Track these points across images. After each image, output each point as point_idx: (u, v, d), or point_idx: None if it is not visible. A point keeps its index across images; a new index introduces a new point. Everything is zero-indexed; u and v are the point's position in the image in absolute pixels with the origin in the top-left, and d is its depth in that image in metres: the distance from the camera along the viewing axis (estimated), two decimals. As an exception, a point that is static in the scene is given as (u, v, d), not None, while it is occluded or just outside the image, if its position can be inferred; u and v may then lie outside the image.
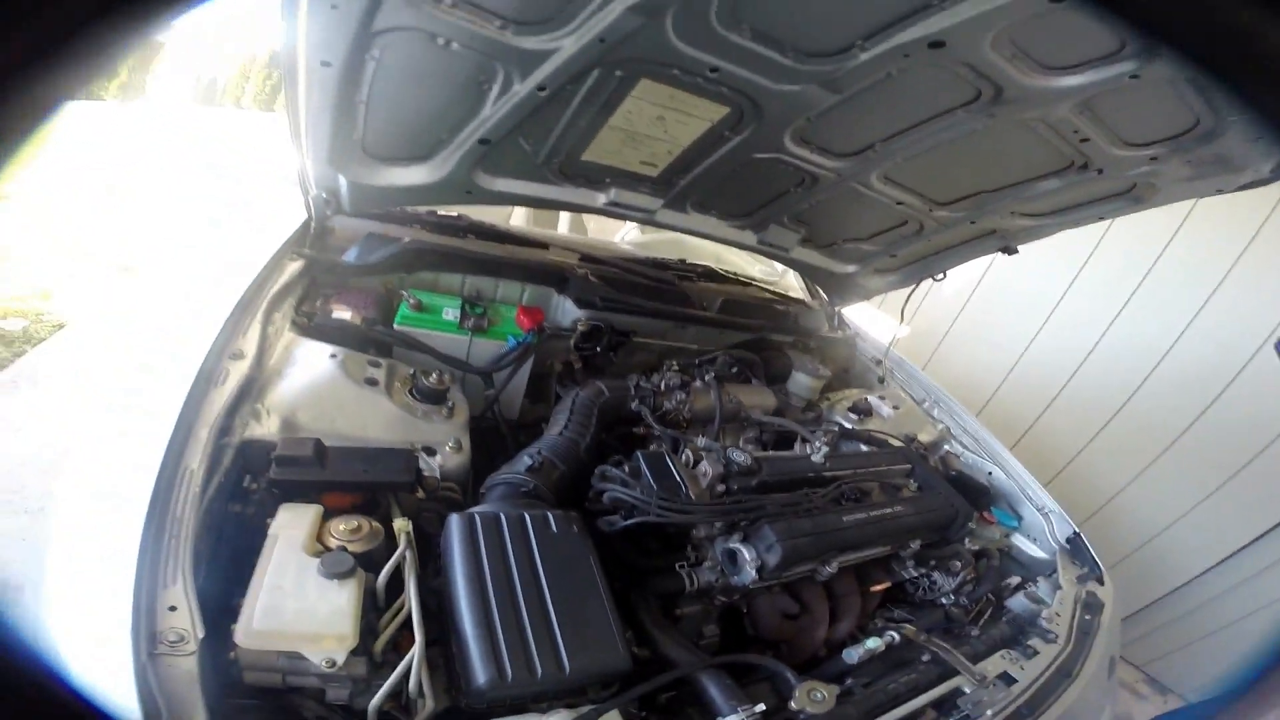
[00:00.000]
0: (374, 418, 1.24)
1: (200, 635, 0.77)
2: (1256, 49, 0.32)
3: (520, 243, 1.89)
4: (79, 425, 1.16)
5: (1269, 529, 2.51)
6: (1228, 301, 2.56)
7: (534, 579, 1.02)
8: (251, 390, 1.14)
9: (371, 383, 1.29)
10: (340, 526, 0.98)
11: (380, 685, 0.84)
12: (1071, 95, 1.21)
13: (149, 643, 0.75)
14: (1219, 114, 1.19)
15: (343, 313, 1.46)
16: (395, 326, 1.52)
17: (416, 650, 0.86)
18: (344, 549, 0.94)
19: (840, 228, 2.00)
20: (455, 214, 1.86)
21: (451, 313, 1.59)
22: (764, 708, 1.02)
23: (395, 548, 0.99)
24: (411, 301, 1.55)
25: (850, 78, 1.23)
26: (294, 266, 1.49)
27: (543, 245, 1.91)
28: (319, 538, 0.97)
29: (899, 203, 1.76)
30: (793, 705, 1.06)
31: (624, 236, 2.87)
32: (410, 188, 1.51)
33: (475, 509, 1.12)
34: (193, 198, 6.10)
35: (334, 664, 0.81)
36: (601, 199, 1.69)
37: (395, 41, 1.10)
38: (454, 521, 1.06)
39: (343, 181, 1.47)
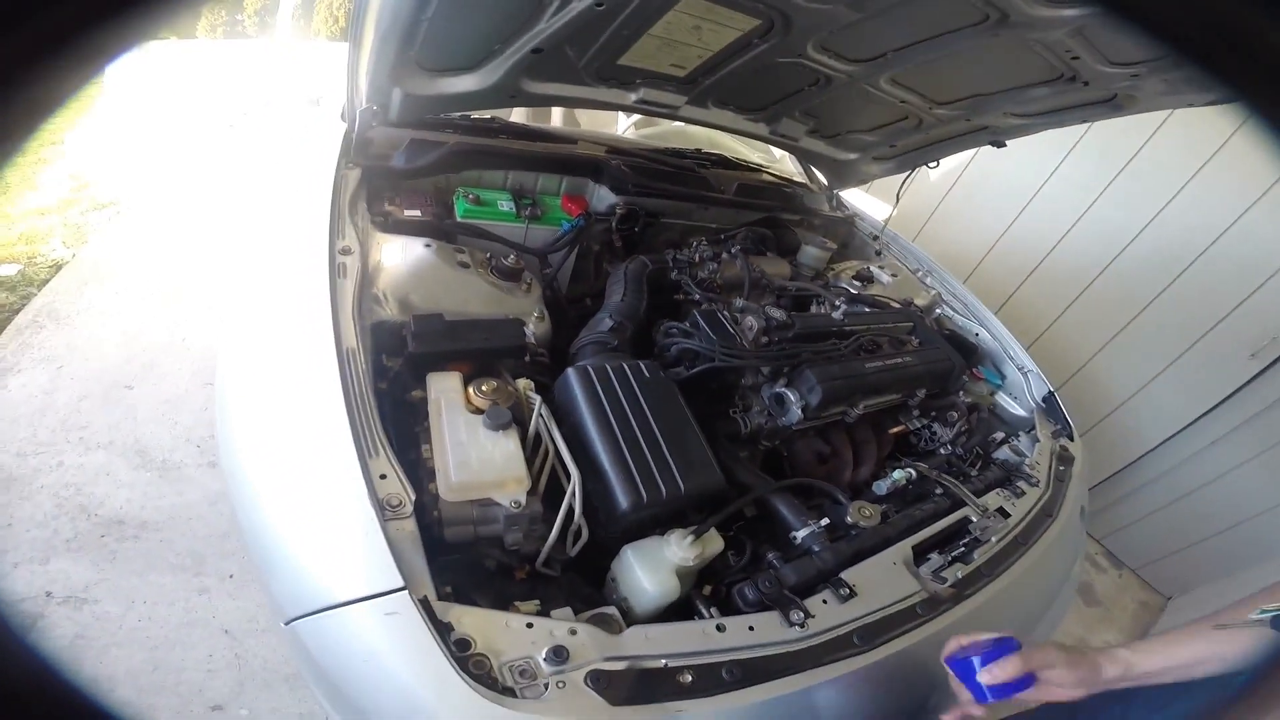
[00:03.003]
0: (472, 295, 1.40)
1: (413, 498, 0.88)
2: (1257, 49, 0.32)
3: (550, 139, 2.00)
4: (228, 325, 1.31)
5: (1216, 404, 2.82)
6: (1191, 199, 2.76)
7: (644, 417, 1.16)
8: (366, 280, 1.28)
9: (464, 265, 1.45)
10: (483, 387, 1.10)
11: (545, 523, 0.99)
12: (1069, 23, 1.36)
13: (379, 511, 0.85)
14: None
15: (412, 212, 1.64)
16: (459, 219, 1.69)
17: (575, 484, 0.98)
18: (495, 405, 1.06)
19: (846, 121, 2.15)
20: (489, 116, 1.94)
21: (506, 204, 1.77)
22: (828, 521, 1.21)
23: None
24: (470, 197, 1.72)
25: (874, 1, 1.36)
26: (353, 174, 1.59)
27: (571, 141, 2.03)
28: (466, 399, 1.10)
29: (902, 101, 1.91)
30: (848, 519, 1.24)
31: (623, 131, 2.92)
32: (460, 95, 1.62)
33: (581, 363, 1.25)
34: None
35: (519, 504, 0.92)
36: (631, 97, 1.81)
37: None
38: (572, 374, 1.19)
39: (396, 94, 1.56)
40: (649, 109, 1.88)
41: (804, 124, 2.12)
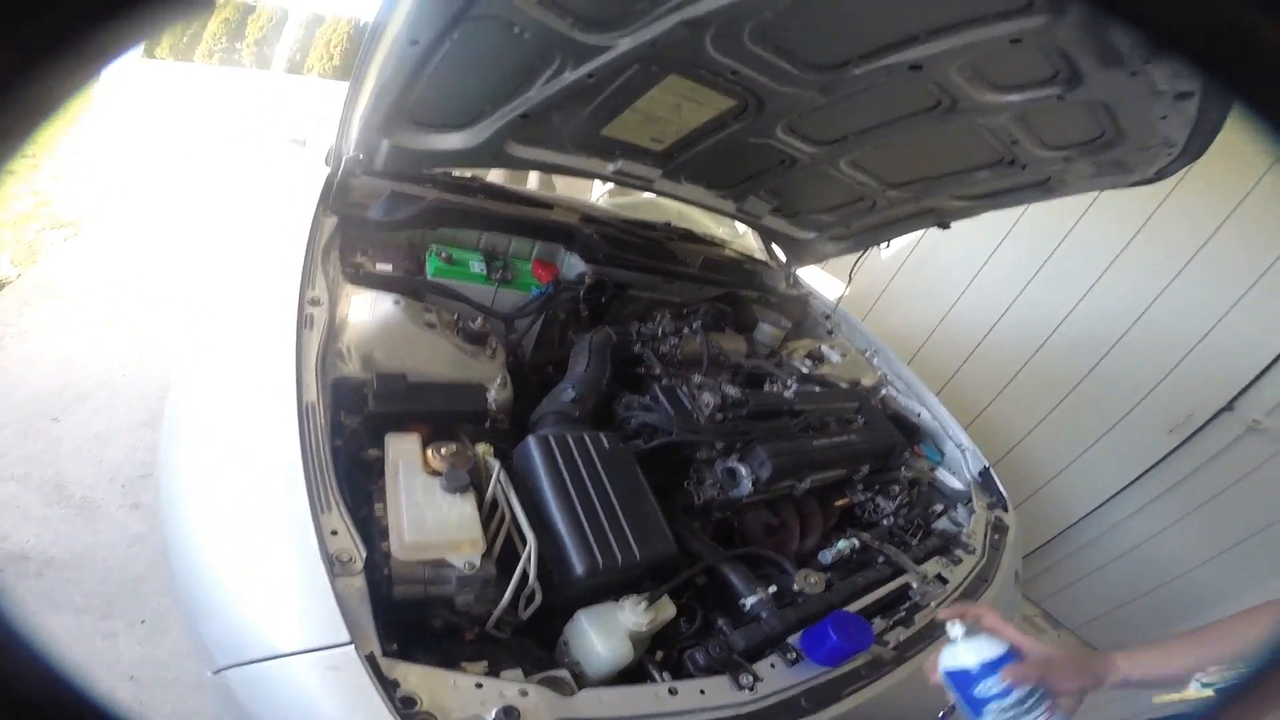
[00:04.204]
0: (436, 356, 1.39)
1: (364, 555, 0.87)
2: (1257, 49, 0.32)
3: (527, 202, 2.04)
4: (187, 360, 1.26)
5: (1139, 475, 3.03)
6: (1114, 280, 3.06)
7: (602, 486, 1.20)
8: (332, 332, 1.25)
9: (431, 326, 1.44)
10: (442, 450, 1.11)
11: (497, 586, 0.99)
12: (1011, 108, 1.51)
13: (328, 565, 0.84)
14: (1120, 127, 1.52)
15: (385, 265, 1.60)
16: (430, 277, 1.67)
17: (531, 548, 1.01)
18: (454, 468, 1.08)
19: (807, 201, 2.29)
20: (469, 175, 1.98)
21: (478, 265, 1.76)
22: (775, 589, 1.27)
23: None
24: (443, 256, 1.71)
25: (841, 86, 1.49)
26: (329, 222, 1.57)
27: (547, 205, 2.07)
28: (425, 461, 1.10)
29: (859, 183, 2.07)
30: (795, 587, 1.30)
31: (598, 198, 3.04)
32: (446, 152, 1.65)
33: (542, 432, 1.29)
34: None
35: (473, 566, 0.94)
36: (610, 168, 1.88)
37: (478, 26, 1.23)
38: (532, 443, 1.23)
39: (384, 145, 1.58)
40: (626, 180, 1.95)
41: (768, 202, 2.25)
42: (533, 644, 1.05)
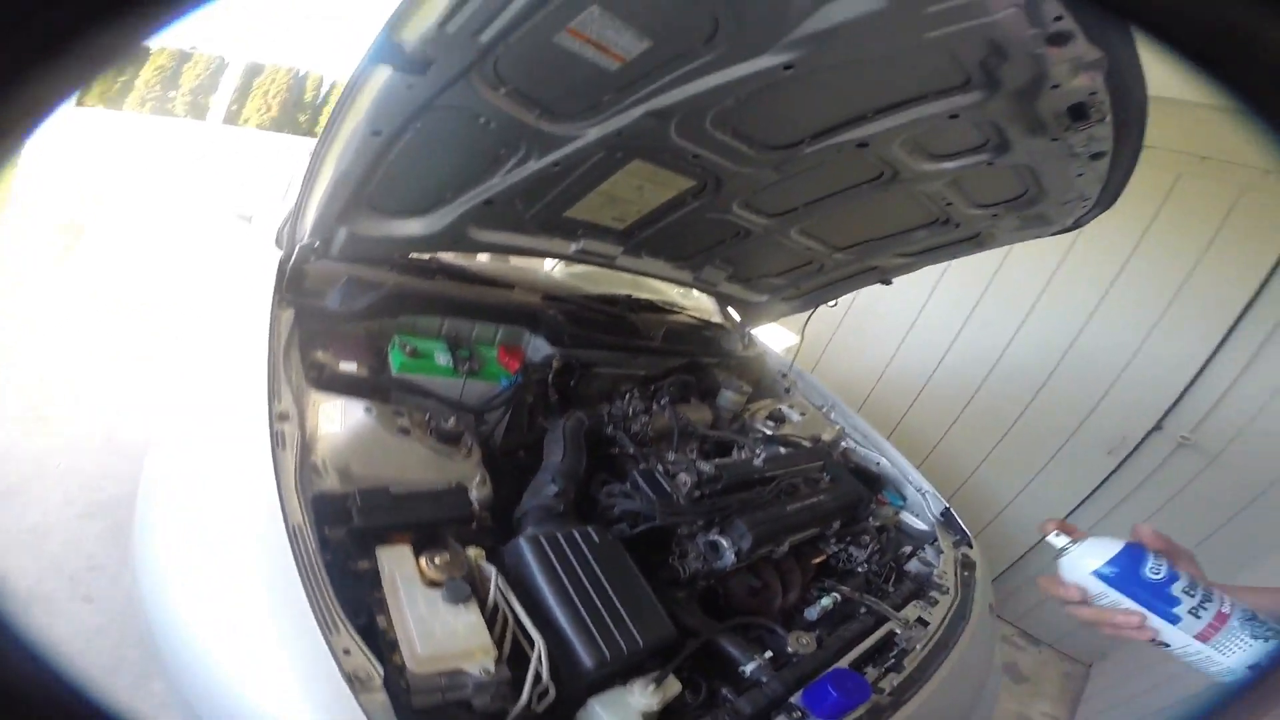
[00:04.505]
0: (413, 462, 1.35)
1: (381, 671, 0.87)
2: (1257, 49, 0.32)
3: (486, 282, 2.01)
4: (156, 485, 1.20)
5: (1083, 499, 3.21)
6: (1040, 317, 3.33)
7: (596, 579, 1.22)
8: (304, 447, 1.20)
9: (404, 431, 1.38)
10: (436, 560, 1.10)
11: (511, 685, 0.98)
12: (946, 174, 1.64)
13: (350, 685, 0.85)
14: (1042, 186, 1.66)
15: (348, 364, 1.52)
16: (395, 374, 1.59)
17: (540, 649, 1.02)
18: (453, 579, 1.07)
19: (759, 267, 2.38)
20: (426, 256, 1.95)
21: (443, 358, 1.68)
22: (770, 653, 1.32)
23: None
24: (407, 349, 1.63)
25: (793, 163, 1.58)
26: (286, 316, 1.49)
27: (507, 285, 2.05)
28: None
29: (808, 248, 2.17)
30: (789, 649, 1.35)
31: (552, 268, 3.05)
32: (406, 239, 1.61)
33: (531, 532, 1.29)
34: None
35: (489, 672, 0.95)
36: (573, 247, 1.90)
37: (443, 115, 1.23)
38: (524, 545, 1.23)
39: (342, 232, 1.53)
40: (588, 259, 1.97)
41: (723, 270, 2.32)
42: None
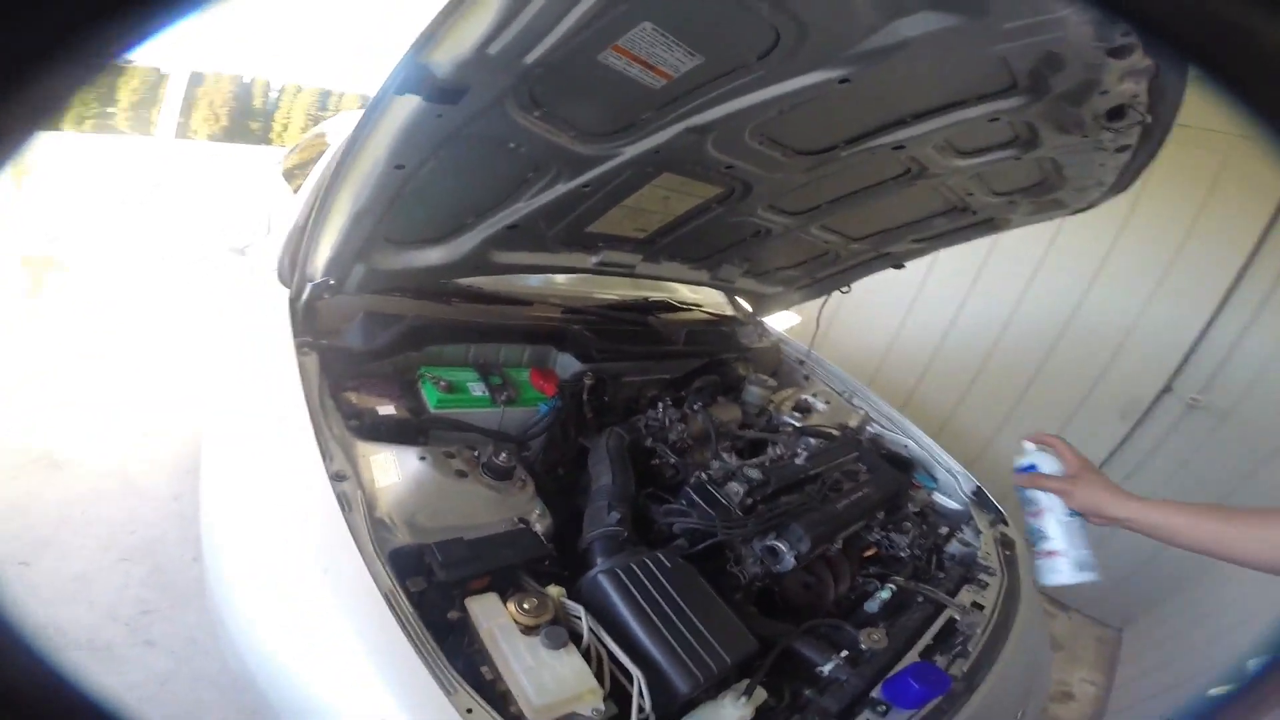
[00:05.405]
0: (475, 505, 1.32)
1: None
2: (1257, 49, 0.32)
3: (505, 301, 1.95)
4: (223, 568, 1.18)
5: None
6: (1044, 282, 3.35)
7: (675, 603, 1.23)
8: (368, 505, 1.17)
9: (461, 474, 1.35)
10: (524, 605, 1.12)
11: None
12: (972, 169, 1.63)
13: None
14: (1063, 175, 1.66)
15: (385, 407, 1.47)
16: (433, 411, 1.55)
17: (640, 682, 1.05)
18: (551, 625, 1.09)
19: (776, 260, 2.34)
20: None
21: (478, 388, 1.63)
22: (848, 652, 1.33)
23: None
24: (441, 384, 1.58)
25: (824, 168, 1.54)
26: (311, 363, 1.43)
27: (525, 302, 1.99)
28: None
29: (826, 241, 2.14)
30: (862, 647, 1.37)
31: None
32: (426, 268, 1.55)
33: (606, 564, 1.29)
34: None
35: (600, 711, 0.98)
36: (593, 260, 1.84)
37: (467, 142, 1.17)
38: (603, 580, 1.23)
39: (359, 268, 1.47)
40: (609, 270, 1.92)
41: (740, 267, 2.28)
42: None
